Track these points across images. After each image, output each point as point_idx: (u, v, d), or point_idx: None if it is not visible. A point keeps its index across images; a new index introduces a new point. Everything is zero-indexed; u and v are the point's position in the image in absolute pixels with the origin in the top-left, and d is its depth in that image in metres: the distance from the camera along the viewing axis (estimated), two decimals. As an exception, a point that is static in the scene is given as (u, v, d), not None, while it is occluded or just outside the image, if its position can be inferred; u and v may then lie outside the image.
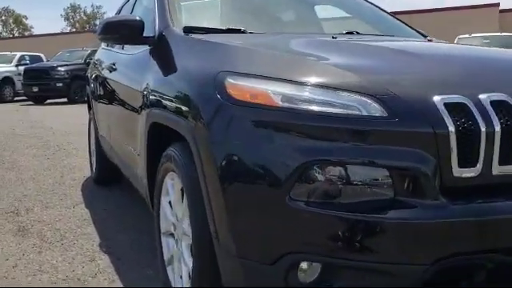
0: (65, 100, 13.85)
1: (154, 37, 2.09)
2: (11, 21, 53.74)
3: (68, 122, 8.57)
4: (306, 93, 1.27)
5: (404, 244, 1.18)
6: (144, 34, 2.10)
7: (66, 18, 55.56)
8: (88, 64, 14.21)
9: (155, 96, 1.81)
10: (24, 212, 3.13)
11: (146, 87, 1.97)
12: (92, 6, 72.75)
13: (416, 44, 2.07)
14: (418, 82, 1.34)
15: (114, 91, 2.74)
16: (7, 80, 14.88)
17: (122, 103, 2.52)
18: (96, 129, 3.58)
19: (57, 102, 13.98)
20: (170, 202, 1.76)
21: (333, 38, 1.97)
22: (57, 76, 13.63)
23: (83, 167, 4.58)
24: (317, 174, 1.19)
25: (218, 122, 1.34)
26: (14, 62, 15.62)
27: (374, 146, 1.19)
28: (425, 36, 2.56)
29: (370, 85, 1.28)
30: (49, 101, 14.26)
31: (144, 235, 2.59)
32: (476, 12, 19.59)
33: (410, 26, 2.70)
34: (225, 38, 1.86)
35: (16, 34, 49.33)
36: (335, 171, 1.19)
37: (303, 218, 1.19)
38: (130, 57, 2.41)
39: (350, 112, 1.21)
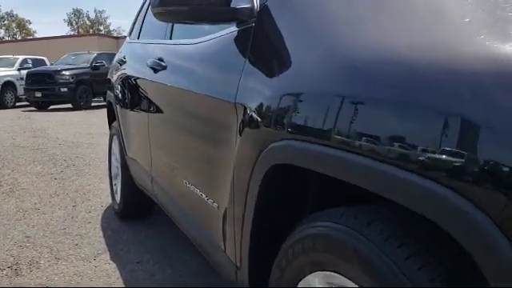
0: (69, 106, 12.97)
1: (251, 7, 1.20)
2: (14, 25, 53.09)
3: (74, 130, 7.69)
4: None
5: None
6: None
7: (70, 23, 54.99)
8: (94, 68, 13.58)
9: (287, 115, 0.93)
10: (26, 268, 2.24)
11: (247, 97, 1.10)
12: (95, 10, 72.24)
13: None
14: None
15: (163, 100, 1.86)
16: (9, 85, 14.03)
17: (183, 120, 1.65)
18: (122, 148, 2.69)
19: (61, 107, 13.11)
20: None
21: None
22: (61, 80, 12.75)
23: (99, 191, 3.69)
24: None
25: None
26: (16, 65, 14.77)
27: None
28: None
29: None
30: (52, 107, 13.39)
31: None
32: None
33: None
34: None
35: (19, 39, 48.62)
36: None
37: None
38: (197, 47, 1.53)
39: None
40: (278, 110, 0.96)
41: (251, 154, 1.05)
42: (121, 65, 2.73)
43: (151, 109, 1.99)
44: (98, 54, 14.29)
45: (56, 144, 6.23)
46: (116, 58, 3.02)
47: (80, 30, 52.99)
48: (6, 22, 52.98)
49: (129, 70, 2.48)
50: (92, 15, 56.39)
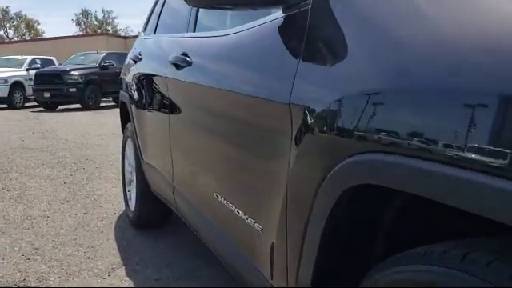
0: (78, 106, 12.83)
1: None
2: (23, 26, 53.30)
3: (83, 132, 7.52)
4: None
5: None
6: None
7: (78, 23, 55.09)
8: (103, 68, 13.40)
9: (372, 119, 0.70)
10: (34, 285, 2.03)
11: (306, 96, 0.88)
12: (103, 10, 72.45)
13: None
14: None
15: (188, 100, 1.64)
16: (17, 85, 13.92)
17: (214, 123, 1.42)
18: (138, 153, 2.48)
19: (69, 108, 12.97)
20: None
21: None
22: (70, 80, 12.61)
23: (111, 196, 3.50)
24: None
25: None
26: (25, 65, 14.67)
27: None
28: None
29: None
30: (61, 107, 13.26)
31: None
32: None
33: None
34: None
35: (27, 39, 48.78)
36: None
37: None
38: (231, 39, 1.30)
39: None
40: (355, 112, 0.74)
41: (314, 169, 0.83)
42: (136, 62, 2.52)
43: (173, 110, 1.78)
44: (106, 54, 14.13)
45: (65, 146, 6.05)
46: (130, 55, 2.81)
47: (88, 30, 53.10)
48: (15, 22, 53.24)
49: (145, 67, 2.26)
50: (100, 15, 56.47)
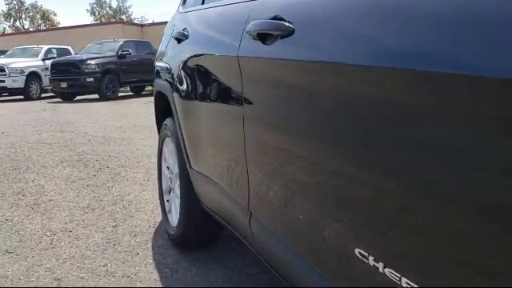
0: (96, 96, 12.40)
1: None
2: (38, 17, 53.22)
3: (103, 124, 7.04)
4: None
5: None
6: None
7: (92, 13, 54.82)
8: (121, 57, 12.90)
9: None
10: None
11: None
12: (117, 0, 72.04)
13: None
14: None
15: (284, 89, 1.05)
16: (33, 75, 13.54)
17: (338, 125, 0.85)
18: (184, 158, 1.93)
19: (87, 98, 12.56)
20: None
21: None
22: (87, 70, 12.17)
23: (142, 203, 2.98)
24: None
25: None
26: (41, 55, 14.28)
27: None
28: None
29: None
30: (78, 97, 12.85)
31: None
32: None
33: None
34: None
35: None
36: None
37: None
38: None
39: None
40: None
41: None
42: (180, 42, 1.96)
43: (252, 103, 1.22)
44: (124, 42, 13.64)
45: (85, 140, 5.57)
46: (168, 35, 2.25)
47: (102, 19, 52.83)
48: (30, 13, 53.18)
49: (198, 46, 1.71)
50: (114, 4, 56.10)
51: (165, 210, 2.40)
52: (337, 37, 0.89)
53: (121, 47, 13.14)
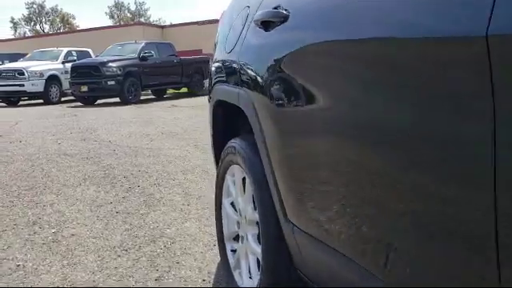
0: (117, 100, 11.90)
1: None
2: (58, 20, 53.53)
3: (128, 130, 6.46)
4: None
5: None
6: None
7: (111, 16, 54.91)
8: (143, 59, 12.33)
9: None
10: None
11: None
12: (135, 2, 72.17)
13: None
14: None
15: None
16: (53, 79, 13.12)
17: None
18: (277, 205, 1.26)
19: (109, 102, 12.06)
20: None
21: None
22: (108, 73, 11.67)
23: (188, 241, 2.34)
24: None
25: None
26: (61, 58, 13.89)
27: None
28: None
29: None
30: (99, 101, 12.37)
31: None
32: None
33: None
34: None
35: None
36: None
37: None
38: None
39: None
40: None
41: None
42: (270, 27, 1.29)
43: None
44: (145, 44, 13.13)
45: (110, 150, 4.98)
46: (239, 18, 1.60)
47: (121, 22, 52.87)
48: (50, 17, 53.51)
49: (312, 33, 1.04)
50: (132, 7, 56.13)
51: (228, 263, 1.73)
52: None
53: (142, 49, 12.63)
